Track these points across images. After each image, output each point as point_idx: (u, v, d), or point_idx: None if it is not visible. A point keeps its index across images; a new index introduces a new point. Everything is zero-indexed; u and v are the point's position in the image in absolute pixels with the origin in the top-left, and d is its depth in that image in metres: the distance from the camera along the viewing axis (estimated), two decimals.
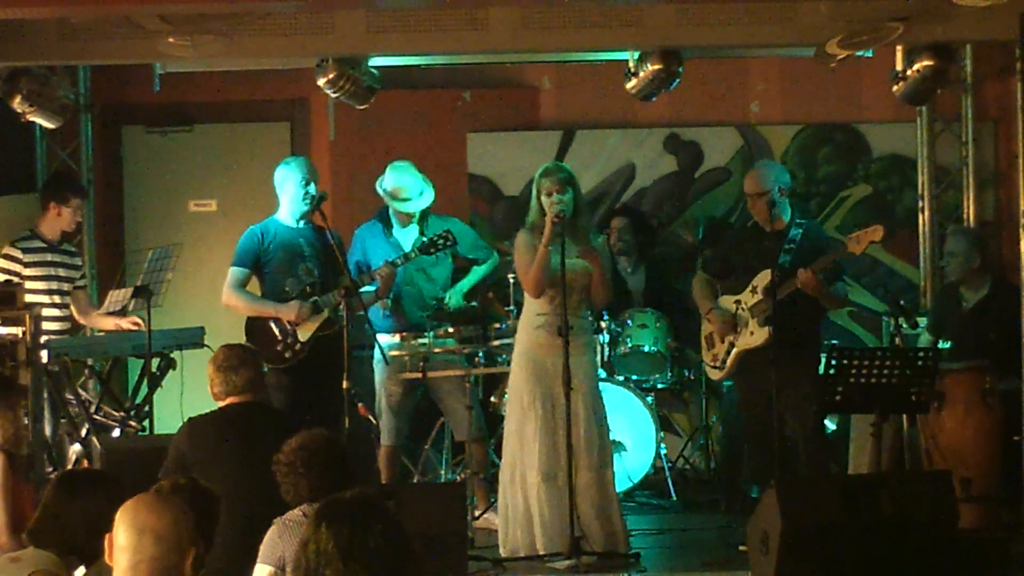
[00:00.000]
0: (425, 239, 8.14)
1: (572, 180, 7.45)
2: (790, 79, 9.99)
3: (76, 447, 8.29)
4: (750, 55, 9.55)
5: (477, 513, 8.11)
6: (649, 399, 8.87)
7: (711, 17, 7.65)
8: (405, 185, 8.31)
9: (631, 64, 8.12)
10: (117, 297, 8.50)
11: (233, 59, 8.02)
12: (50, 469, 7.82)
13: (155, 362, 8.41)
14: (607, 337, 8.91)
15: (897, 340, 7.84)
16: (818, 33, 7.66)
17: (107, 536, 3.66)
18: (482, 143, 9.99)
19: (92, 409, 8.41)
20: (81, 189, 8.83)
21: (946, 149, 9.86)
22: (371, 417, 8.47)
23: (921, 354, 7.34)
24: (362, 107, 8.33)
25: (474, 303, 8.73)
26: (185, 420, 6.28)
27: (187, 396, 8.32)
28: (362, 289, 7.94)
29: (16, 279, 8.11)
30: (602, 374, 8.47)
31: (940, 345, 8.30)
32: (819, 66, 8.14)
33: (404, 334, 8.29)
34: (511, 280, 8.70)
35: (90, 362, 8.58)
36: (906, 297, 9.18)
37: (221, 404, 6.14)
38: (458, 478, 8.53)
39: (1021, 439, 7.38)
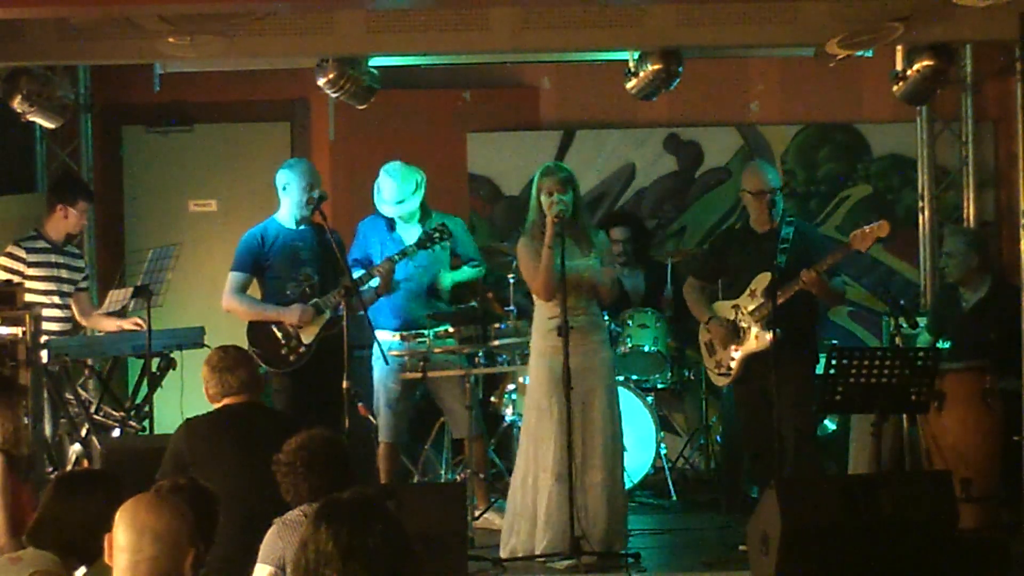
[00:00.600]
0: (423, 233, 8.13)
1: (572, 180, 7.45)
2: (790, 79, 9.99)
3: (76, 447, 8.29)
4: (750, 55, 9.55)
5: (477, 513, 8.11)
6: (649, 399, 8.87)
7: (711, 17, 7.65)
8: (390, 190, 8.30)
9: (631, 64, 8.12)
10: (117, 297, 8.50)
11: (233, 59, 8.02)
12: (50, 469, 7.82)
13: (155, 362, 8.41)
14: (607, 337, 8.89)
15: (897, 340, 7.84)
16: (818, 33, 7.66)
17: (107, 536, 3.66)
18: (482, 143, 9.99)
19: (92, 409, 8.41)
20: (89, 192, 8.81)
21: (946, 149, 9.86)
22: (370, 417, 8.48)
23: (921, 354, 7.34)
24: (362, 107, 8.33)
25: (474, 303, 8.72)
26: (182, 421, 6.27)
27: (187, 396, 8.32)
28: (362, 287, 7.92)
29: (18, 279, 8.11)
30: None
31: (940, 345, 8.30)
32: (819, 66, 8.15)
33: (404, 334, 8.28)
34: (511, 280, 8.70)
35: (90, 362, 8.58)
36: (906, 297, 9.18)
37: (217, 405, 6.13)
38: (458, 478, 8.53)
39: (1021, 439, 7.38)
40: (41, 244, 8.53)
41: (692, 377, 9.29)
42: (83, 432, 8.28)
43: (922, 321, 8.55)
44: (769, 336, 7.51)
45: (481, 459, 8.32)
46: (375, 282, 8.08)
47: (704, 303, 8.00)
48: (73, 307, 8.67)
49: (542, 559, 7.21)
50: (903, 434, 7.85)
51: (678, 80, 8.04)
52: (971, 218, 9.72)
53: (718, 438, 9.18)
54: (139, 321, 8.43)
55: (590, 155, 9.94)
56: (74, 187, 8.77)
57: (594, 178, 9.91)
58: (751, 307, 7.72)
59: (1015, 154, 7.96)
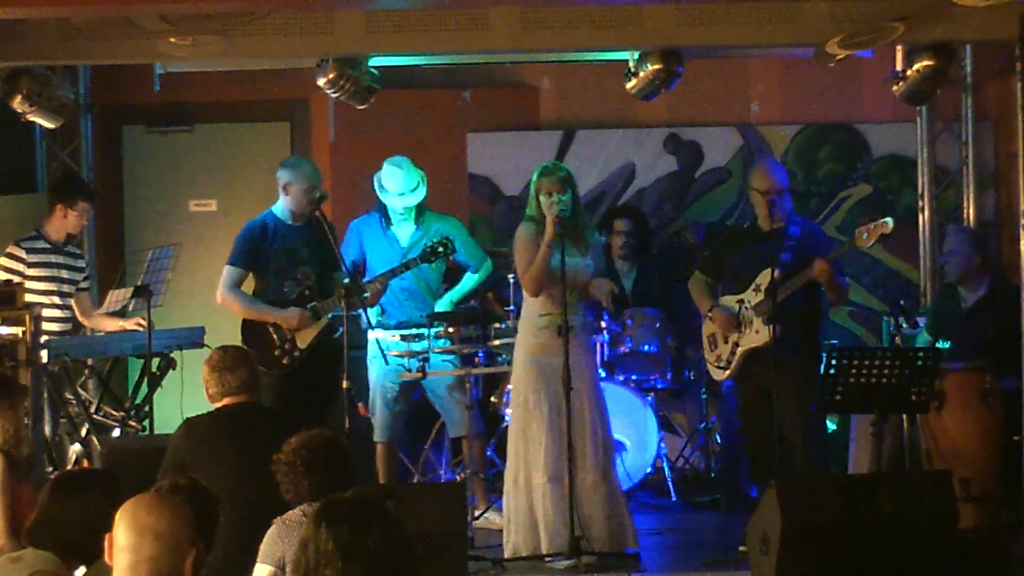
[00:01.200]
0: (427, 246, 8.09)
1: (571, 180, 7.46)
2: (790, 79, 10.00)
3: (76, 447, 8.29)
4: (750, 55, 9.55)
5: (477, 513, 8.11)
6: (649, 399, 8.87)
7: (711, 17, 7.65)
8: (397, 180, 8.30)
9: (631, 64, 8.12)
10: (117, 297, 8.51)
11: (233, 59, 8.01)
12: (50, 469, 7.83)
13: (155, 362, 8.40)
14: (607, 337, 8.90)
15: (897, 340, 7.84)
16: (818, 33, 7.66)
17: (107, 536, 3.66)
18: (482, 143, 9.99)
19: (92, 409, 8.41)
20: (90, 193, 8.79)
21: (946, 149, 9.86)
22: (370, 416, 8.48)
23: (921, 354, 7.34)
24: (362, 107, 8.32)
25: (474, 303, 8.73)
26: (182, 421, 6.26)
27: (187, 396, 8.31)
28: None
29: (18, 279, 8.11)
30: (602, 373, 8.46)
31: (940, 345, 8.30)
32: (819, 66, 8.14)
33: (404, 333, 8.27)
34: (511, 280, 8.70)
35: (90, 362, 8.58)
36: (906, 297, 9.18)
37: (217, 405, 6.13)
38: (458, 478, 8.53)
39: (1021, 439, 7.38)
40: (41, 244, 8.53)
41: (692, 377, 9.28)
42: (83, 432, 8.28)
43: (922, 321, 8.55)
44: (770, 331, 7.50)
45: (480, 458, 8.31)
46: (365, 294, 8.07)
47: (708, 295, 8.02)
48: (74, 307, 8.67)
49: (543, 559, 7.21)
50: (903, 434, 7.85)
51: (678, 80, 8.04)
52: (971, 218, 9.72)
53: (718, 438, 9.18)
54: (140, 321, 8.43)
55: (590, 155, 9.95)
56: (74, 187, 8.76)
57: (594, 178, 9.92)
58: (755, 302, 7.72)
59: (1015, 154, 7.96)
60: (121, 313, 8.63)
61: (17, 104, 8.00)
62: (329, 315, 7.94)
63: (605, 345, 8.91)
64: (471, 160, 9.98)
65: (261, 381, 6.34)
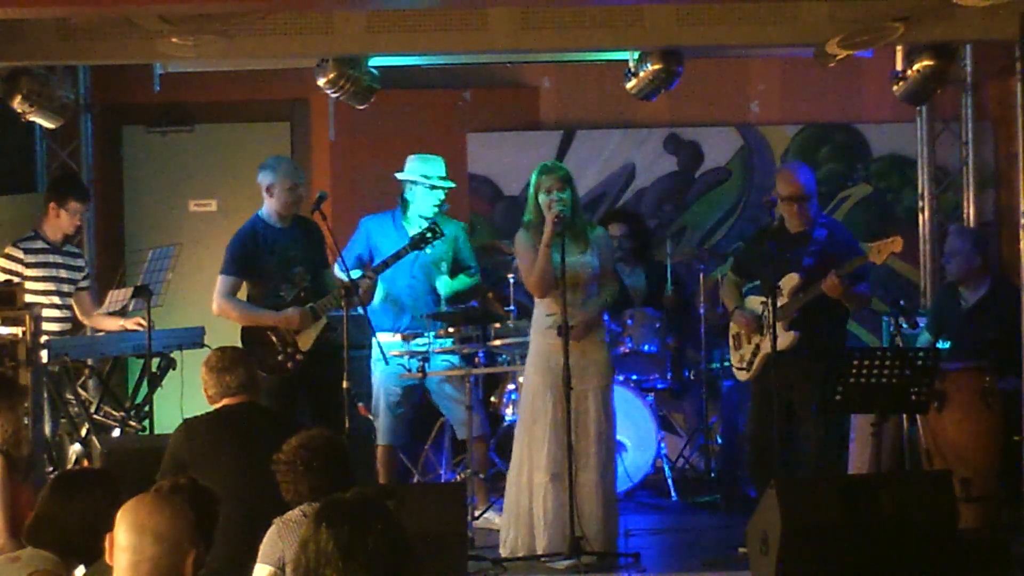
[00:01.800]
0: (415, 234, 8.09)
1: (570, 179, 7.46)
2: (790, 79, 10.00)
3: (76, 447, 8.29)
4: (750, 55, 9.55)
5: (477, 513, 8.11)
6: (649, 399, 8.87)
7: (711, 17, 7.65)
8: (437, 165, 8.33)
9: (631, 64, 8.12)
10: (117, 297, 8.50)
11: (233, 59, 8.01)
12: (50, 469, 7.82)
13: (155, 362, 8.40)
14: (607, 337, 8.89)
15: (897, 340, 7.84)
16: (818, 33, 7.66)
17: (107, 536, 3.66)
18: (482, 143, 9.99)
19: (92, 409, 8.40)
20: (84, 193, 8.77)
21: (946, 149, 9.86)
22: (370, 416, 8.48)
23: (921, 354, 7.34)
24: (362, 107, 8.33)
25: (474, 303, 8.73)
26: (181, 422, 6.26)
27: (187, 396, 8.31)
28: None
29: (17, 279, 8.10)
30: None
31: (940, 345, 8.30)
32: (819, 66, 8.14)
33: (405, 334, 8.27)
34: (511, 280, 8.70)
35: (90, 362, 8.58)
36: (906, 297, 9.18)
37: (216, 406, 6.13)
38: (458, 478, 8.53)
39: (1021, 439, 7.38)
40: (39, 244, 8.53)
41: (692, 377, 9.29)
42: (83, 432, 8.28)
43: (922, 321, 8.55)
44: (791, 336, 7.49)
45: (481, 459, 8.32)
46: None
47: (736, 294, 7.99)
48: (75, 307, 8.67)
49: (542, 559, 7.21)
50: (903, 434, 7.85)
51: (678, 80, 8.04)
52: (971, 218, 9.73)
53: (718, 438, 9.18)
54: (141, 321, 8.43)
55: (590, 155, 9.95)
56: (66, 187, 8.74)
57: (594, 178, 9.92)
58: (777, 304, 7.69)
59: (1015, 154, 7.96)
60: (121, 313, 8.62)
61: (17, 104, 8.00)
62: (327, 314, 7.93)
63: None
64: (471, 160, 9.98)
65: (260, 381, 6.34)
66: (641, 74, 8.03)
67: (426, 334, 8.21)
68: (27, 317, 7.43)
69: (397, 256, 7.99)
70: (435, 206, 8.35)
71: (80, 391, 8.51)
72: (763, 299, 7.77)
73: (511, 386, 8.71)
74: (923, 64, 7.98)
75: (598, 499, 7.28)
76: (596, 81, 9.87)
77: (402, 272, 8.26)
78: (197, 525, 3.68)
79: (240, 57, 7.91)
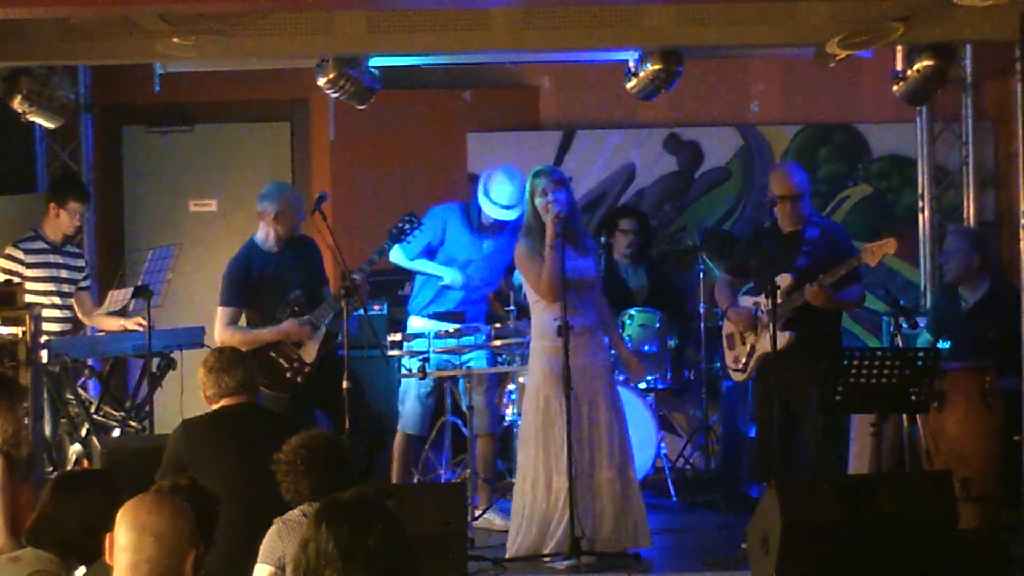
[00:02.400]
0: (393, 227, 8.08)
1: (565, 180, 7.48)
2: (790, 79, 10.00)
3: (76, 447, 8.29)
4: (750, 55, 9.55)
5: (477, 513, 8.11)
6: (649, 399, 8.87)
7: (711, 17, 7.65)
8: (506, 194, 8.26)
9: (631, 64, 8.12)
10: (117, 297, 8.50)
11: (233, 59, 8.01)
12: (50, 469, 7.82)
13: (155, 362, 8.40)
14: (607, 337, 8.88)
15: (897, 340, 7.84)
16: (818, 33, 7.66)
17: (108, 536, 3.66)
18: (482, 143, 9.98)
19: (92, 409, 8.40)
20: (84, 193, 8.77)
21: (946, 149, 9.86)
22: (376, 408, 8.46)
23: (921, 354, 7.33)
24: (362, 107, 8.32)
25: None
26: (180, 423, 6.25)
27: (187, 396, 8.31)
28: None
29: (17, 279, 8.10)
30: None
31: (940, 345, 8.30)
32: (819, 66, 8.13)
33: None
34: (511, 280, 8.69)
35: (90, 362, 8.58)
36: (906, 297, 9.18)
37: (215, 407, 6.13)
38: (458, 478, 8.53)
39: (1021, 439, 7.38)
40: (39, 245, 8.53)
41: (692, 377, 9.29)
42: (83, 432, 8.28)
43: (922, 321, 8.55)
44: (786, 336, 7.50)
45: (490, 458, 8.31)
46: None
47: (730, 295, 8.01)
48: (75, 307, 8.67)
49: (543, 559, 7.21)
50: (903, 434, 7.84)
51: (678, 80, 8.04)
52: (971, 218, 9.73)
53: (718, 438, 9.18)
54: (142, 321, 8.42)
55: (590, 155, 9.94)
56: (66, 187, 8.75)
57: (594, 178, 9.91)
58: (770, 305, 7.70)
59: (1015, 154, 7.96)
60: (121, 313, 8.62)
61: (17, 104, 8.00)
62: (326, 321, 7.90)
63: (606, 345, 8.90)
64: (471, 160, 9.97)
65: (257, 382, 6.33)
66: (641, 74, 8.03)
67: (426, 334, 8.15)
68: (27, 317, 7.42)
69: (380, 252, 8.00)
70: (496, 222, 8.32)
71: (80, 391, 8.51)
72: (756, 299, 7.80)
73: (511, 386, 8.71)
74: (923, 64, 7.97)
75: (611, 496, 7.28)
76: (596, 81, 9.87)
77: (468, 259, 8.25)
78: (197, 525, 3.68)
79: (240, 57, 7.90)
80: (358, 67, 7.99)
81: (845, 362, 7.17)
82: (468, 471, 8.19)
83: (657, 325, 9.00)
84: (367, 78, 8.06)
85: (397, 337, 8.18)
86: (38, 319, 7.62)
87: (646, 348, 8.97)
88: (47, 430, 8.04)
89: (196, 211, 10.12)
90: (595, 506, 7.24)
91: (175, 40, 7.35)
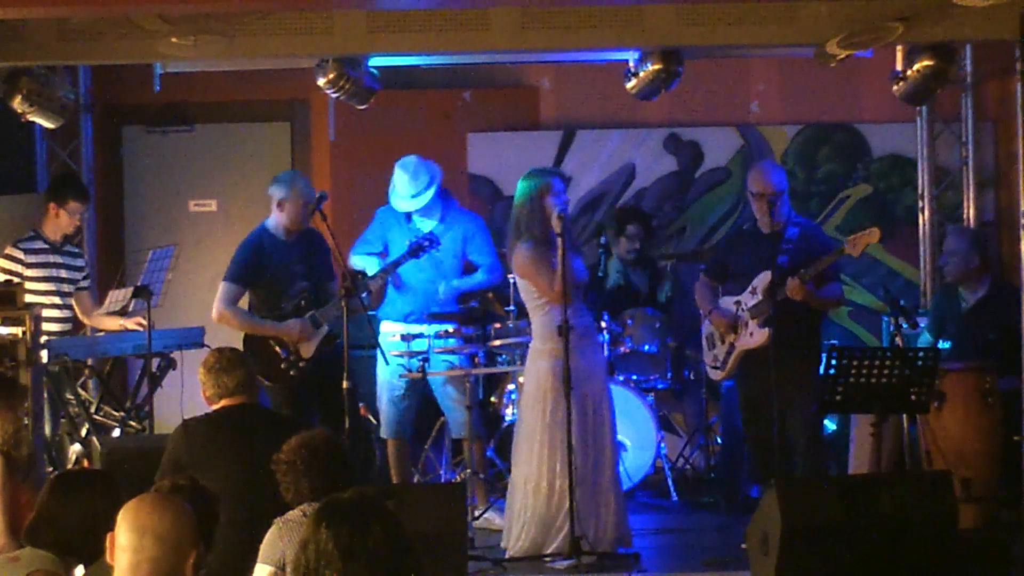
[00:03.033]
0: (412, 243, 8.09)
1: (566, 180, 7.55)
2: (790, 79, 10.00)
3: (76, 447, 8.29)
4: (750, 55, 9.55)
5: (477, 513, 8.11)
6: (649, 399, 8.88)
7: (711, 17, 7.65)
8: (402, 184, 8.31)
9: (631, 64, 8.12)
10: (117, 297, 8.50)
11: (233, 59, 8.01)
12: (50, 469, 7.82)
13: (155, 362, 8.40)
14: (607, 337, 8.89)
15: (897, 340, 7.84)
16: (818, 33, 7.66)
17: (108, 536, 3.67)
18: (482, 143, 9.99)
19: (92, 409, 8.40)
20: (83, 193, 8.78)
21: (946, 149, 9.86)
22: (370, 417, 8.48)
23: (921, 354, 7.34)
24: (362, 107, 8.33)
25: (474, 303, 8.72)
26: (180, 423, 6.25)
27: (187, 396, 8.30)
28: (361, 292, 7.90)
29: (17, 279, 8.10)
30: None
31: (940, 345, 8.30)
32: (819, 66, 8.14)
33: (405, 333, 8.24)
34: (511, 280, 8.68)
35: (90, 362, 8.58)
36: (906, 297, 9.18)
37: (215, 407, 6.12)
38: (458, 478, 8.53)
39: (1021, 439, 7.38)
40: (39, 244, 8.53)
41: (692, 377, 9.29)
42: (83, 432, 8.28)
43: (922, 321, 8.55)
44: (766, 333, 7.53)
45: (480, 459, 8.31)
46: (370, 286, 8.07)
47: (709, 296, 8.05)
48: (75, 307, 8.67)
49: (542, 559, 7.21)
50: (903, 434, 7.85)
51: (678, 80, 8.04)
52: (971, 218, 9.73)
53: (718, 438, 9.18)
54: (142, 321, 8.43)
55: (590, 155, 9.94)
56: (66, 187, 8.75)
57: (594, 178, 9.91)
58: (751, 303, 7.75)
59: (1015, 154, 7.96)
60: (121, 312, 8.62)
61: (17, 104, 7.99)
62: (328, 322, 7.92)
63: (605, 345, 8.90)
64: (471, 160, 9.98)
65: (257, 382, 6.33)
66: (641, 74, 8.03)
67: (427, 329, 8.17)
68: (27, 317, 7.43)
69: (396, 264, 8.02)
70: (414, 212, 8.31)
71: (80, 391, 8.51)
72: (736, 299, 7.83)
73: (511, 386, 8.71)
74: (923, 64, 7.97)
75: (612, 498, 7.30)
76: (596, 81, 9.87)
77: (412, 263, 8.24)
78: (198, 525, 3.68)
79: (240, 57, 7.90)
80: (358, 67, 7.99)
81: (845, 362, 7.17)
82: (468, 471, 8.19)
83: (657, 325, 9.01)
84: (367, 78, 8.06)
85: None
86: (38, 319, 7.63)
87: (646, 348, 8.98)
88: (47, 430, 8.04)
89: (196, 211, 10.12)
90: (602, 507, 7.23)
91: (175, 40, 7.35)
